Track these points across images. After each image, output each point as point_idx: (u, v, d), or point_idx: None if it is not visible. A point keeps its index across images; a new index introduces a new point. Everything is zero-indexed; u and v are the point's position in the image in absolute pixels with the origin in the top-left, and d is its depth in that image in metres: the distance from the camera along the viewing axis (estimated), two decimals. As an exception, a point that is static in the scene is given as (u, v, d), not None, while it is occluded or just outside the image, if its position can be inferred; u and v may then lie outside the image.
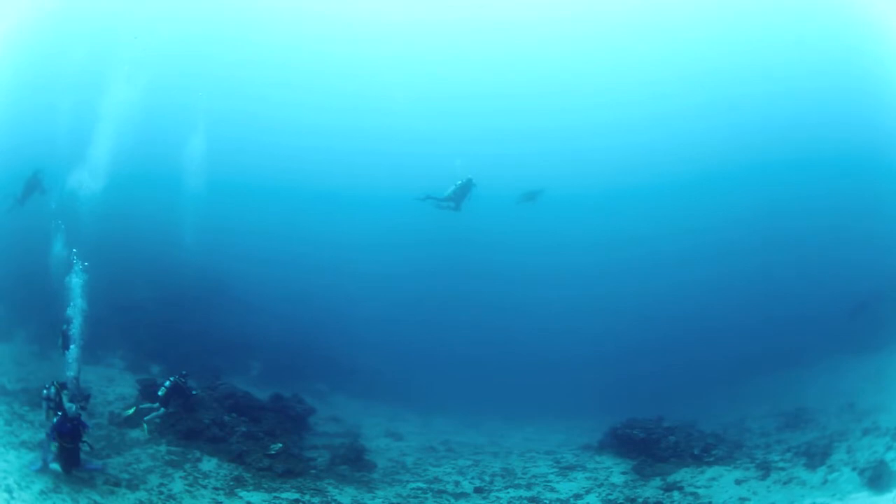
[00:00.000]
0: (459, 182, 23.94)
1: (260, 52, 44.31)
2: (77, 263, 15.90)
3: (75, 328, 15.19)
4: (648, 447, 18.36)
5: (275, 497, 14.19)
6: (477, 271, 34.67)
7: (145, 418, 16.06)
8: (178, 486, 13.97)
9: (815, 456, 15.89)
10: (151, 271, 28.29)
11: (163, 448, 15.57)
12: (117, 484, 13.14)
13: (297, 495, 14.49)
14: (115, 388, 20.04)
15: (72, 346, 15.19)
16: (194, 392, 17.05)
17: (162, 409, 16.16)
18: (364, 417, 24.59)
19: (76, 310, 15.47)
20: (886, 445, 15.51)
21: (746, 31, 43.93)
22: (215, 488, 14.17)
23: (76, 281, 15.62)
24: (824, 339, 26.17)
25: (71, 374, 14.46)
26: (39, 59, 32.68)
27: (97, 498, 12.43)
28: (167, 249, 29.43)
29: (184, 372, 16.84)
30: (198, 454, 15.56)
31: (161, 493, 13.47)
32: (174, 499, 13.35)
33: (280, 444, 16.38)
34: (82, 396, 13.96)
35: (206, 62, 40.15)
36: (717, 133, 42.53)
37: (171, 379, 16.48)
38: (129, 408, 16.73)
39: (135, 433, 15.99)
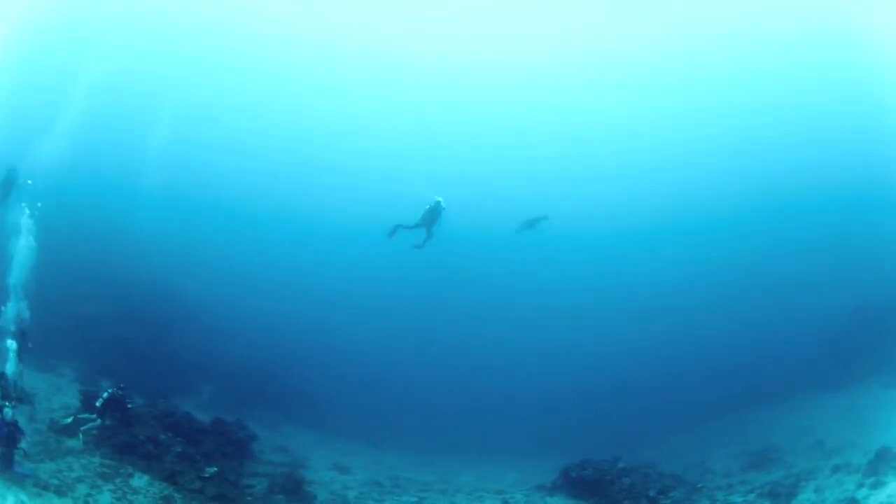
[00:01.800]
0: (428, 206, 24.60)
1: (244, 79, 46.60)
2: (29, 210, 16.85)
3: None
4: (602, 489, 19.18)
5: (202, 520, 15.21)
6: (438, 308, 36.09)
7: (82, 428, 17.17)
8: (105, 498, 15.04)
9: (780, 496, 16.71)
10: (112, 285, 29.57)
11: (96, 460, 16.63)
12: (46, 488, 14.41)
13: (225, 520, 15.57)
14: (61, 397, 21.14)
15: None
16: (129, 406, 18.03)
17: (98, 421, 17.29)
18: (313, 449, 25.74)
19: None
20: (857, 483, 16.32)
21: (750, 75, 46.14)
22: (142, 506, 15.28)
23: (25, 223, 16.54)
24: (792, 376, 27.23)
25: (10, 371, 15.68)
26: (15, 65, 34.55)
27: (24, 498, 13.58)
28: (130, 264, 30.88)
29: (122, 385, 17.99)
30: (130, 470, 16.59)
31: (87, 503, 14.70)
32: (100, 510, 14.46)
33: (215, 468, 17.41)
34: (14, 398, 15.19)
35: (187, 85, 42.31)
36: (682, 184, 44.47)
37: (109, 391, 17.72)
38: (69, 416, 17.95)
39: (71, 442, 17.07)
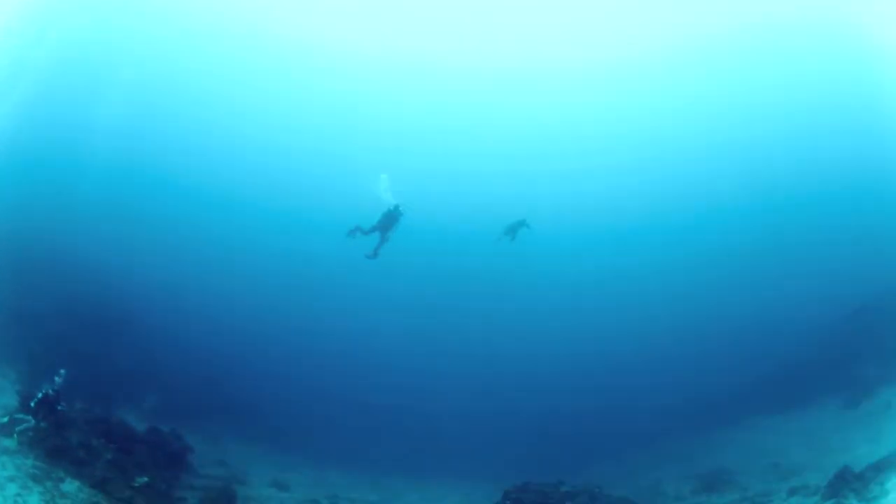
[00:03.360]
0: (386, 210, 24.74)
1: (208, 65, 47.54)
2: None
3: None
4: (545, 513, 19.38)
5: (131, 529, 16.16)
6: (389, 328, 37.18)
7: (16, 428, 18.19)
8: (34, 500, 16.03)
9: (733, 521, 16.93)
10: (58, 282, 30.16)
11: (29, 461, 17.60)
12: (-24, 485, 15.61)
13: (155, 531, 16.48)
14: (1, 398, 22.09)
15: None
16: (59, 407, 18.93)
17: (33, 422, 18.37)
18: (254, 464, 26.65)
19: None
20: (815, 505, 16.36)
21: (745, 72, 47.79)
22: (70, 511, 16.32)
23: None
24: (746, 396, 27.88)
25: None
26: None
27: (-44, 492, 14.84)
28: (77, 261, 31.74)
29: (55, 388, 18.90)
30: (61, 474, 17.53)
31: (16, 503, 15.92)
32: (27, 511, 15.55)
33: (146, 478, 18.30)
34: None
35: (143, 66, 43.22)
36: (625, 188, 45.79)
37: (42, 392, 18.78)
38: (4, 416, 18.95)
39: (7, 441, 18.03)
